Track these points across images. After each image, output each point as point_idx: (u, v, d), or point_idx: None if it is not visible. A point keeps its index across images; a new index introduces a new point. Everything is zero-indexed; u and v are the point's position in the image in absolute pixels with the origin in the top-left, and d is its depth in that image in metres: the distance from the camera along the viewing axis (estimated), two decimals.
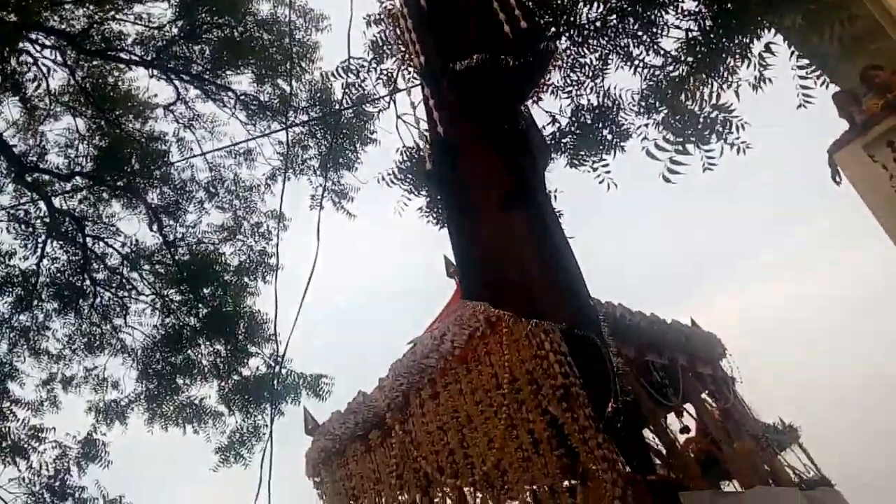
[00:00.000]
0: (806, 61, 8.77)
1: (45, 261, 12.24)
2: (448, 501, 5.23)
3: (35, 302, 12.08)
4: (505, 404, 4.98)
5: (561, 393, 4.79)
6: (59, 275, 12.39)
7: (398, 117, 9.24)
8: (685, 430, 6.30)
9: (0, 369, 11.10)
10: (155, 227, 12.84)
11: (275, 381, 10.77)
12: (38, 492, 10.34)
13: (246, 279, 12.84)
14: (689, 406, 6.37)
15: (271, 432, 7.59)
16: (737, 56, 9.17)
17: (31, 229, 12.25)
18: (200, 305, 12.58)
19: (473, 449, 5.04)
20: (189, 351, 12.14)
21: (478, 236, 6.04)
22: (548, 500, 4.50)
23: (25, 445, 10.47)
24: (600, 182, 10.18)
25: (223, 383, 11.89)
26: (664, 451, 5.53)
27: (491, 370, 5.20)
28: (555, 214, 6.74)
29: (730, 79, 9.29)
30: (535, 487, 4.60)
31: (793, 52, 8.87)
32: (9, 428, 10.52)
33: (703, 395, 6.55)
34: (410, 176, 10.48)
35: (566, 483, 4.56)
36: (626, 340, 5.87)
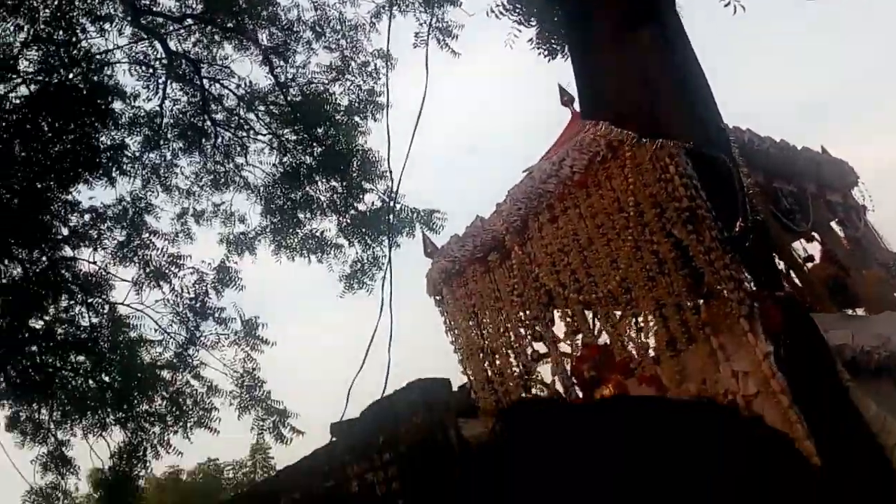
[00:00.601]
0: None
1: (167, 102, 12.69)
2: (569, 318, 5.40)
3: (161, 141, 12.66)
4: (628, 227, 5.00)
5: (686, 216, 4.75)
6: (181, 115, 12.86)
7: None
8: (810, 258, 6.18)
9: (137, 204, 11.91)
10: (266, 69, 13.01)
11: (390, 216, 11.13)
12: (181, 311, 11.42)
13: (357, 118, 12.97)
14: (816, 234, 6.22)
15: (389, 259, 7.96)
16: None
17: (151, 71, 12.63)
18: (315, 144, 12.87)
19: (596, 269, 5.14)
20: (307, 187, 12.61)
21: (602, 57, 5.80)
22: (673, 316, 4.59)
23: (167, 271, 11.46)
24: (726, 5, 9.49)
25: (341, 218, 12.38)
26: (792, 276, 5.48)
27: (612, 194, 5.19)
28: (684, 34, 6.34)
29: None
30: (660, 305, 4.68)
31: None
32: (150, 255, 11.49)
33: (832, 223, 6.36)
34: (520, 6, 10.05)
35: (691, 302, 4.61)
36: (755, 166, 5.69)
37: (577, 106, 6.65)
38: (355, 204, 12.42)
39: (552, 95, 7.31)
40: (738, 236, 4.43)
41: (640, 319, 5.02)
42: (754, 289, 4.36)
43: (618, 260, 5.00)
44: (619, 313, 5.16)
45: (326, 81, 13.17)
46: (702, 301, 4.59)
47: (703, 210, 4.73)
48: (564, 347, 5.58)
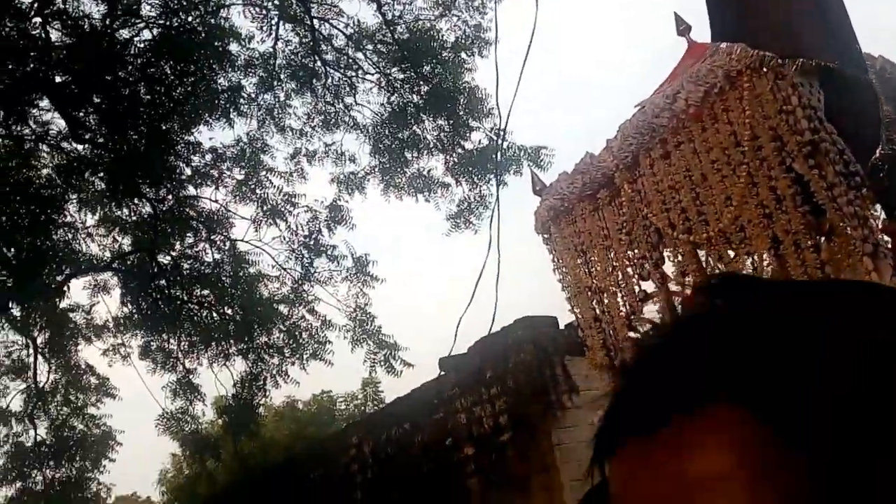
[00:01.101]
0: None
1: (279, 44, 12.96)
2: (679, 257, 5.26)
3: (275, 83, 12.99)
4: (744, 162, 4.78)
5: (808, 150, 4.51)
6: (292, 56, 13.13)
7: None
8: None
9: (253, 145, 12.36)
10: (374, 6, 13.03)
11: (497, 154, 11.07)
12: (296, 249, 11.88)
13: (463, 54, 12.86)
14: None
15: (497, 197, 7.95)
16: None
17: (263, 13, 12.89)
18: (422, 83, 12.88)
19: (708, 207, 4.96)
20: (415, 126, 12.68)
21: None
22: (791, 255, 4.39)
23: (282, 209, 11.91)
24: None
25: (448, 156, 12.43)
26: None
27: (729, 128, 4.96)
28: None
29: None
30: (777, 243, 4.49)
31: None
32: (267, 194, 11.96)
33: None
34: None
35: (811, 240, 4.40)
36: (887, 98, 5.29)
37: (693, 35, 6.34)
38: (462, 142, 12.41)
39: (667, 25, 6.98)
40: (874, 168, 4.16)
41: (755, 259, 4.83)
42: (886, 224, 4.11)
43: (732, 197, 4.81)
44: (732, 253, 4.99)
45: (433, 17, 13.10)
46: (822, 239, 4.37)
47: (828, 143, 4.47)
48: (674, 287, 5.46)
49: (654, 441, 0.45)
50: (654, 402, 0.45)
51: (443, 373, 8.81)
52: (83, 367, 12.23)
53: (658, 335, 0.49)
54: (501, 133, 10.51)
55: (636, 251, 5.66)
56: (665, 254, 5.54)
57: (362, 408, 25.87)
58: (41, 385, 11.62)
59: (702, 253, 5.41)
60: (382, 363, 11.27)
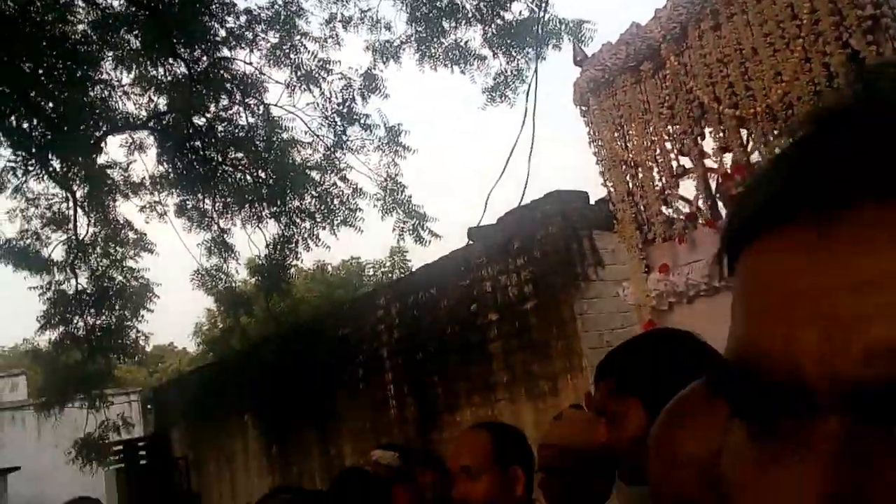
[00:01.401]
0: None
1: None
2: (721, 133, 5.19)
3: None
4: (800, 36, 4.62)
5: (868, 24, 4.34)
6: None
7: None
8: None
9: (289, 7, 12.03)
10: None
11: (537, 27, 10.72)
12: (329, 115, 11.80)
13: None
14: None
15: (536, 70, 7.78)
16: None
17: None
18: None
19: (756, 82, 4.84)
20: None
21: None
22: None
23: (316, 75, 11.75)
24: None
25: (486, 27, 12.04)
26: None
27: (786, 0, 4.78)
28: None
29: None
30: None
31: None
32: (301, 59, 11.76)
33: None
34: None
35: None
36: None
37: None
38: (502, 13, 11.99)
39: None
40: None
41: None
42: None
43: (783, 73, 4.68)
44: (776, 132, 4.90)
45: None
46: None
47: (889, 18, 4.30)
48: (711, 163, 5.41)
49: (834, 222, 0.36)
50: (841, 177, 0.36)
51: (471, 242, 8.92)
52: (121, 221, 12.54)
53: (836, 114, 0.40)
54: (543, 4, 10.16)
55: (676, 126, 5.58)
56: (706, 130, 5.46)
57: (389, 275, 26.50)
58: (81, 237, 11.96)
59: (744, 132, 5.33)
60: (411, 232, 11.40)
